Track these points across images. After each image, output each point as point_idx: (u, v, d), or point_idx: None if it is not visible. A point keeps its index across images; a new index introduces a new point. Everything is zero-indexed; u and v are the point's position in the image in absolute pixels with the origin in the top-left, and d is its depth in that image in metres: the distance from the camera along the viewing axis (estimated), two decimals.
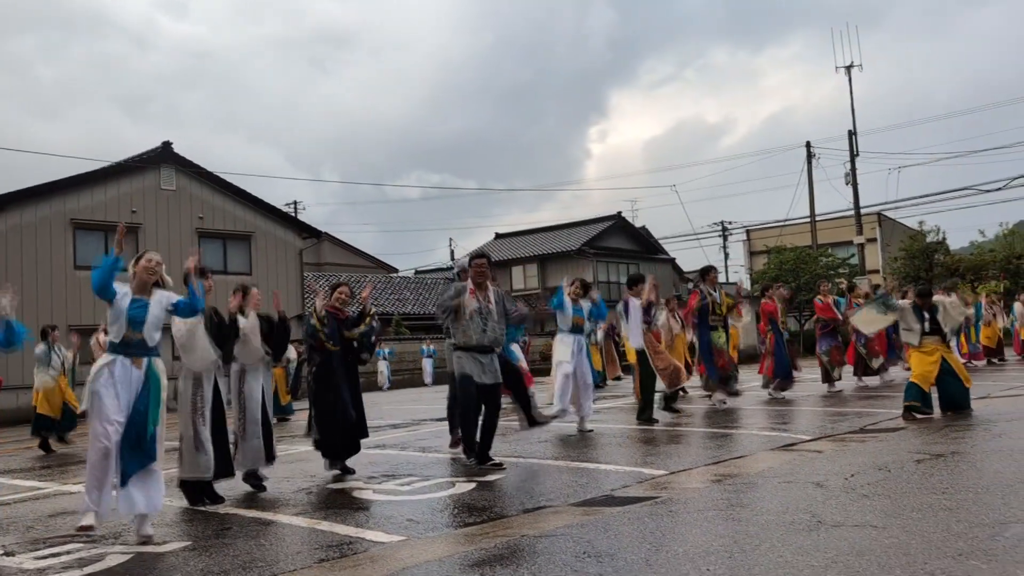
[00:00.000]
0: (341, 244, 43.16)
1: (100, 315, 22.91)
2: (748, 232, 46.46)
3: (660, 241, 43.20)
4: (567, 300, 9.59)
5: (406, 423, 11.87)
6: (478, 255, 7.44)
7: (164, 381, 5.12)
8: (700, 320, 11.37)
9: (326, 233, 31.98)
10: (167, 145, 24.96)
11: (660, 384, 10.24)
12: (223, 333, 6.09)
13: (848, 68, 35.85)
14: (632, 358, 14.67)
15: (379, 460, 7.85)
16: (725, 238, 51.08)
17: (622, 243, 39.47)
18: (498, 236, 43.67)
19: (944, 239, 35.40)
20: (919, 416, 8.56)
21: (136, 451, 4.86)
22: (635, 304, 10.12)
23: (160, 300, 5.25)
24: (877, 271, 37.02)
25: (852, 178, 34.67)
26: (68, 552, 4.70)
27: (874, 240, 40.20)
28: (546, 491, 5.84)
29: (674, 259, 42.78)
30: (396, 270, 45.05)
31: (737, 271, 49.04)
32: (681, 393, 11.68)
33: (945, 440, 7.21)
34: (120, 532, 5.16)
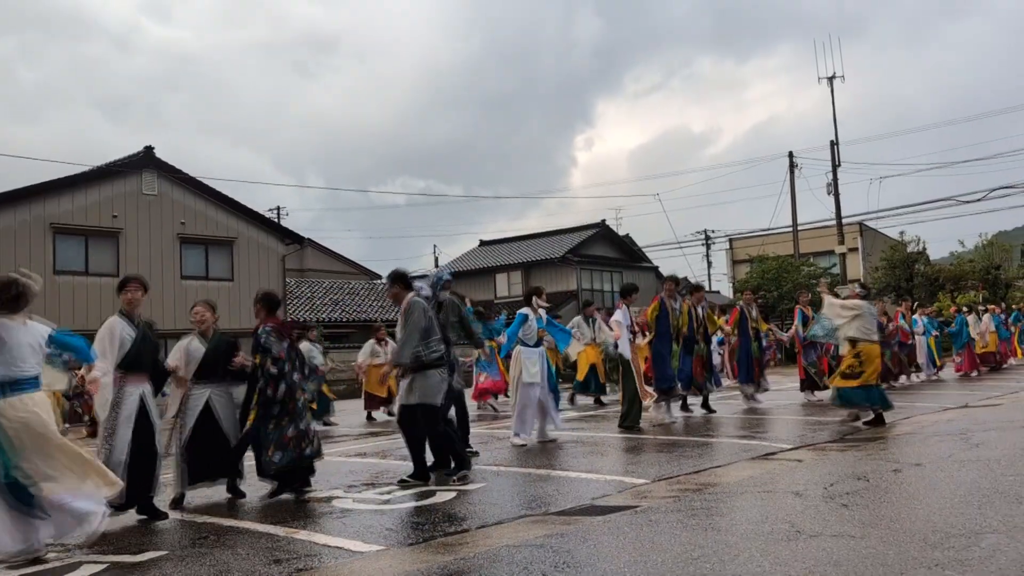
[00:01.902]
0: (324, 250, 42.98)
1: (80, 321, 22.78)
2: (731, 241, 46.68)
3: (643, 249, 43.34)
4: (530, 313, 9.12)
5: (387, 431, 11.82)
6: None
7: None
8: (659, 332, 10.71)
9: (309, 239, 31.88)
10: (149, 150, 24.81)
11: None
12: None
13: (830, 79, 36.12)
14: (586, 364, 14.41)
15: (359, 469, 7.81)
16: (708, 247, 51.26)
17: (606, 251, 39.55)
18: (482, 243, 43.65)
19: (924, 249, 35.75)
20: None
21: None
22: (625, 313, 10.18)
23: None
24: (858, 280, 37.24)
25: (834, 188, 34.92)
26: (43, 562, 4.64)
27: (856, 250, 40.48)
28: (527, 500, 5.82)
29: (657, 267, 42.89)
30: (379, 277, 44.91)
31: (720, 279, 49.32)
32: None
33: (923, 450, 7.27)
34: (95, 542, 5.10)
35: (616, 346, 10.14)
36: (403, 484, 6.59)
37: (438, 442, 6.94)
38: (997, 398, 12.26)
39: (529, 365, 8.93)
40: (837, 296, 11.32)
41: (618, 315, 10.30)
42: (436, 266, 48.40)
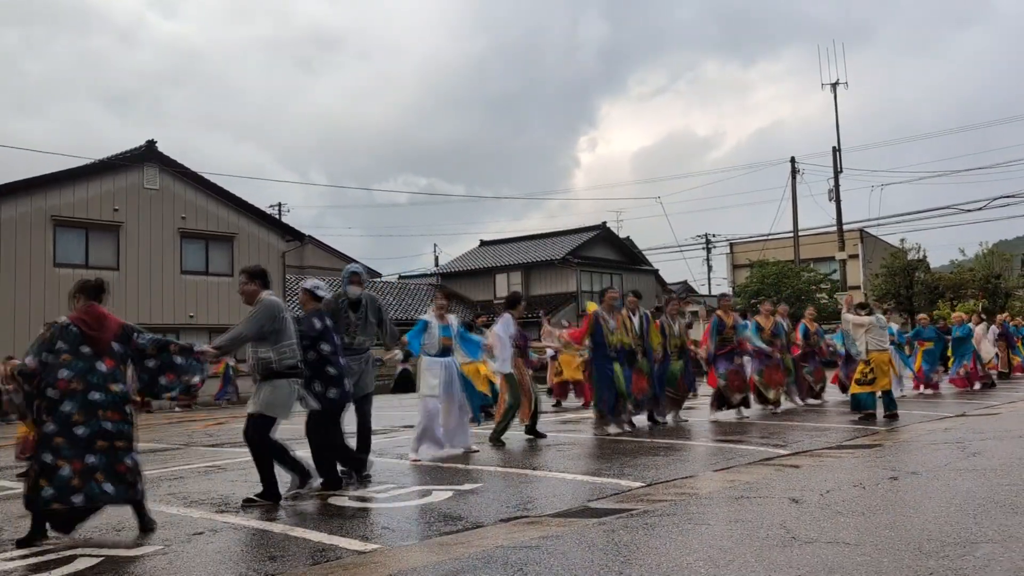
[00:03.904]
0: (324, 247, 43.03)
1: None
2: (732, 245, 46.74)
3: (644, 252, 43.37)
4: (432, 319, 8.45)
5: (383, 429, 11.81)
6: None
7: None
8: (593, 349, 10.26)
9: (309, 236, 31.87)
10: (151, 144, 24.82)
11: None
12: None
13: (834, 85, 36.22)
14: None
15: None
16: (709, 251, 51.32)
17: (606, 253, 39.56)
18: (483, 243, 43.66)
19: (925, 257, 35.81)
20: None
21: None
22: (507, 325, 9.37)
23: None
24: (858, 287, 37.28)
25: (835, 194, 35.02)
26: (37, 554, 4.64)
27: (856, 256, 40.53)
28: (523, 501, 5.82)
29: (657, 270, 42.94)
30: (380, 275, 44.94)
31: (720, 284, 49.32)
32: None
33: (920, 458, 7.27)
34: (90, 535, 5.11)
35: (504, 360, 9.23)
36: (247, 503, 5.91)
37: (321, 454, 6.46)
38: (995, 407, 12.26)
39: (430, 376, 8.25)
40: (859, 313, 11.47)
41: (498, 327, 9.40)
42: (436, 265, 48.45)
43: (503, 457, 8.26)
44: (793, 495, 5.57)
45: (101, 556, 4.57)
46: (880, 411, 10.86)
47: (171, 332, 22.18)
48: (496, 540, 4.58)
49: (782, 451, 7.95)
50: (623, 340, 10.20)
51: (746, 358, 12.18)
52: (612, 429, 10.03)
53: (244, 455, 6.52)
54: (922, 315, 17.98)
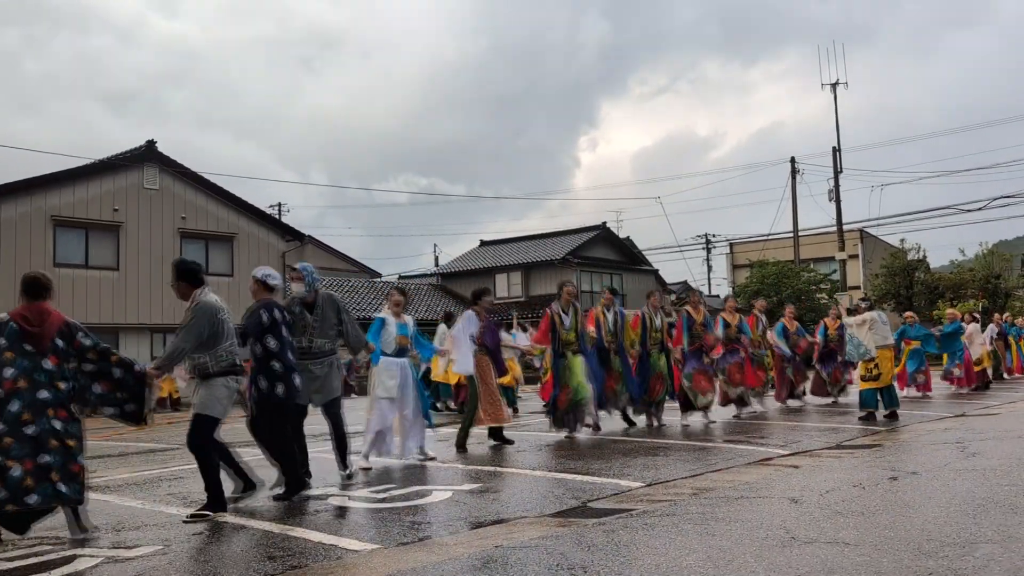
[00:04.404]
0: (324, 247, 42.97)
1: (79, 314, 22.75)
2: (731, 245, 46.77)
3: (644, 252, 43.38)
4: (389, 317, 7.99)
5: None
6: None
7: None
8: (552, 345, 9.78)
9: (309, 236, 31.88)
10: (151, 144, 24.83)
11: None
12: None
13: (833, 86, 36.18)
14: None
15: (355, 467, 7.79)
16: (708, 251, 51.37)
17: (606, 253, 39.57)
18: (483, 243, 43.66)
19: (925, 257, 35.86)
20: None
21: None
22: (468, 324, 8.94)
23: None
24: (858, 287, 37.31)
25: (835, 194, 34.97)
26: (37, 555, 4.64)
27: (856, 256, 40.54)
28: (523, 501, 5.82)
29: (657, 270, 42.94)
30: (380, 275, 44.93)
31: (720, 284, 49.35)
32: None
33: (920, 458, 7.27)
34: (90, 536, 5.10)
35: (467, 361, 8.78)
36: (192, 519, 5.51)
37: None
38: (995, 408, 12.26)
39: (385, 377, 7.80)
40: (851, 314, 11.57)
41: (457, 326, 8.99)
42: (436, 265, 48.40)
43: (502, 457, 8.25)
44: (793, 495, 5.58)
45: (101, 556, 4.57)
46: (880, 410, 10.84)
47: (171, 332, 22.15)
48: (495, 540, 4.58)
49: (781, 451, 7.95)
50: (568, 338, 9.67)
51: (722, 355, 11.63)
52: (562, 432, 9.68)
53: (248, 455, 6.52)
54: (908, 312, 16.83)
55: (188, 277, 5.92)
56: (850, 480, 6.15)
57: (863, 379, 10.90)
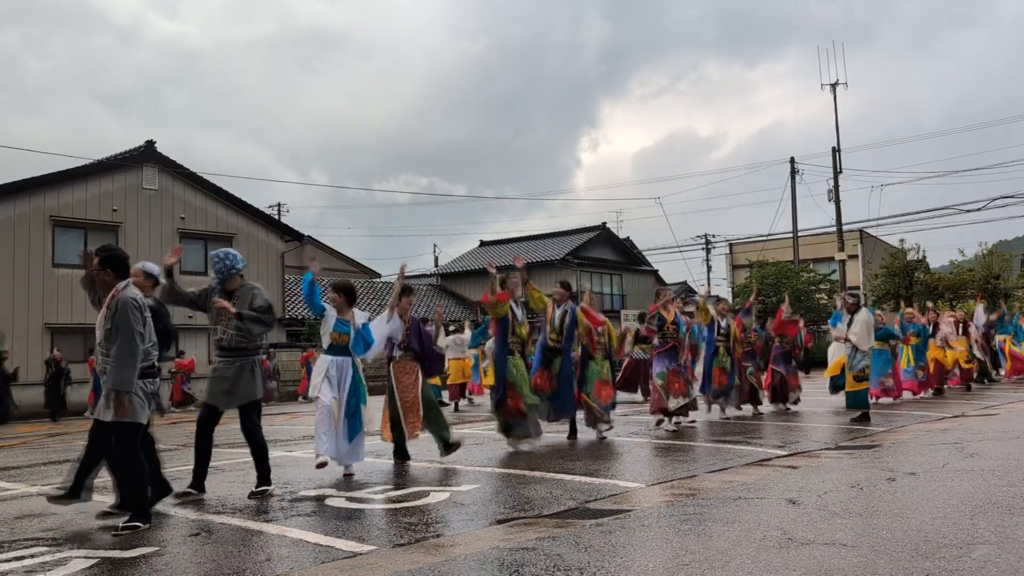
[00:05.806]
0: (324, 247, 43.00)
1: (78, 314, 22.71)
2: (731, 246, 46.72)
3: (644, 253, 43.40)
4: (329, 308, 7.30)
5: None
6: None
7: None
8: (499, 337, 9.14)
9: (309, 236, 31.89)
10: (150, 144, 24.84)
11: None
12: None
13: (833, 86, 36.19)
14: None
15: (353, 467, 7.79)
16: (708, 251, 51.31)
17: (606, 254, 39.62)
18: (483, 243, 43.67)
19: (924, 258, 35.81)
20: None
21: None
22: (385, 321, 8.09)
23: None
24: (858, 287, 37.30)
25: (835, 194, 34.98)
26: (32, 556, 4.63)
27: (855, 257, 40.53)
28: (519, 502, 5.82)
29: (657, 271, 42.97)
30: (379, 275, 44.94)
31: (719, 284, 49.31)
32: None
33: (918, 459, 7.27)
34: (86, 537, 5.10)
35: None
36: (120, 532, 5.13)
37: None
38: (994, 408, 12.26)
39: (315, 374, 7.25)
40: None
41: (373, 324, 7.89)
42: (436, 265, 48.35)
43: (500, 458, 8.24)
44: (790, 496, 5.57)
45: (97, 557, 4.56)
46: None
47: None
48: (492, 541, 4.57)
49: (779, 452, 7.94)
50: (520, 332, 9.15)
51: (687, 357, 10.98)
52: (511, 443, 8.91)
53: (241, 456, 6.51)
54: (909, 309, 16.15)
55: (116, 265, 5.39)
56: (848, 481, 6.15)
57: (856, 380, 10.94)
